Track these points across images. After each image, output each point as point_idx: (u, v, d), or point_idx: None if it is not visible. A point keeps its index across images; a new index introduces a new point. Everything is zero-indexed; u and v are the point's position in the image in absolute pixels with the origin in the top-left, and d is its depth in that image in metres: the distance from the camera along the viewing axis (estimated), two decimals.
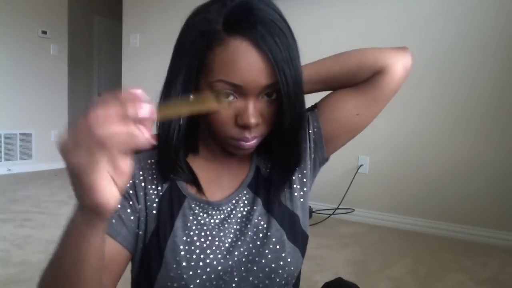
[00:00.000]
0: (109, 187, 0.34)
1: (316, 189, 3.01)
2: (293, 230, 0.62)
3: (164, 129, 0.56)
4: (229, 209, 0.62)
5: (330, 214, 2.71)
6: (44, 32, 4.17)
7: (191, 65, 0.52)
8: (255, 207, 0.62)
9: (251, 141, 0.55)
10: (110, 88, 5.83)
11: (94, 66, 5.77)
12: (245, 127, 0.53)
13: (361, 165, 2.74)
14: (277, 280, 0.59)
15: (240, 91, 0.52)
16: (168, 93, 0.56)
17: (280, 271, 0.59)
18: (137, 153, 0.61)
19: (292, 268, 0.60)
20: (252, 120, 0.52)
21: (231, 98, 0.52)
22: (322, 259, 2.00)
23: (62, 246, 0.43)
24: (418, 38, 2.52)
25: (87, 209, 0.37)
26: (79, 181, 0.34)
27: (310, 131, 0.66)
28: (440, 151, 2.50)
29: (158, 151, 0.59)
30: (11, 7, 3.90)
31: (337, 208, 2.74)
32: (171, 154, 0.57)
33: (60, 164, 4.44)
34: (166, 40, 3.72)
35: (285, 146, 0.60)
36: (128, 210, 0.59)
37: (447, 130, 2.48)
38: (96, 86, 5.82)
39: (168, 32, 3.60)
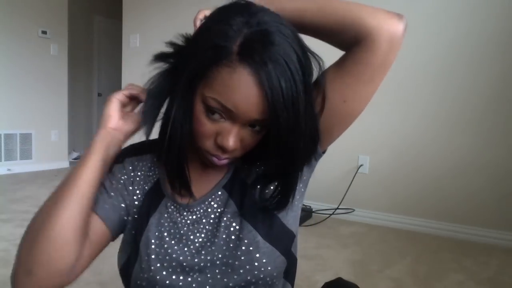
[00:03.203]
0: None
1: (316, 189, 3.00)
2: (270, 230, 0.62)
3: (171, 129, 0.56)
4: (201, 210, 0.64)
5: (330, 214, 2.71)
6: (44, 32, 4.17)
7: (195, 71, 0.52)
8: (226, 209, 0.62)
9: (222, 160, 0.57)
10: (110, 88, 5.84)
11: (94, 66, 5.76)
12: (222, 148, 0.54)
13: (361, 165, 2.74)
14: (253, 281, 0.59)
15: (229, 114, 0.52)
16: (173, 84, 0.56)
17: (255, 273, 0.58)
18: (131, 156, 0.69)
19: (269, 268, 0.59)
20: (231, 144, 0.53)
21: (216, 116, 0.53)
22: (322, 259, 2.00)
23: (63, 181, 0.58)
24: (418, 38, 2.52)
25: (101, 121, 0.62)
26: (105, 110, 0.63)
27: None
28: (440, 151, 2.50)
29: (165, 150, 0.58)
30: (11, 7, 3.90)
31: (337, 208, 2.74)
32: (178, 155, 0.58)
33: (59, 164, 4.44)
34: (166, 40, 3.71)
35: (275, 176, 0.61)
36: (116, 196, 0.64)
37: (447, 130, 2.48)
38: (96, 86, 5.82)
39: (168, 32, 3.58)
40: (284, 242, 0.63)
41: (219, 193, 0.64)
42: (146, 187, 0.66)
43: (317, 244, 2.22)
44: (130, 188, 0.66)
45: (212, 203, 0.64)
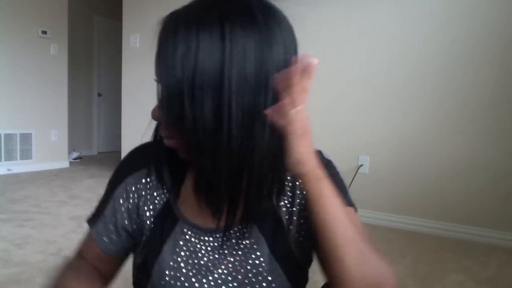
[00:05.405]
0: None
1: None
2: (293, 269, 0.58)
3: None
4: (224, 238, 0.57)
5: None
6: (44, 32, 4.17)
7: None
8: (256, 246, 0.56)
9: None
10: (110, 88, 5.84)
11: (94, 66, 5.77)
12: None
13: (361, 165, 2.74)
14: None
15: None
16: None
17: None
18: (132, 173, 0.60)
19: None
20: None
21: None
22: None
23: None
24: (418, 38, 2.52)
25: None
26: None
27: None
28: (440, 151, 2.50)
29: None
30: (11, 7, 3.90)
31: None
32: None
33: (59, 164, 4.44)
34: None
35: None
36: (116, 230, 0.61)
37: (447, 130, 2.48)
38: (96, 86, 5.82)
39: None
40: (297, 275, 0.60)
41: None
42: (154, 210, 0.58)
43: None
44: (135, 216, 0.59)
45: (238, 233, 0.56)
